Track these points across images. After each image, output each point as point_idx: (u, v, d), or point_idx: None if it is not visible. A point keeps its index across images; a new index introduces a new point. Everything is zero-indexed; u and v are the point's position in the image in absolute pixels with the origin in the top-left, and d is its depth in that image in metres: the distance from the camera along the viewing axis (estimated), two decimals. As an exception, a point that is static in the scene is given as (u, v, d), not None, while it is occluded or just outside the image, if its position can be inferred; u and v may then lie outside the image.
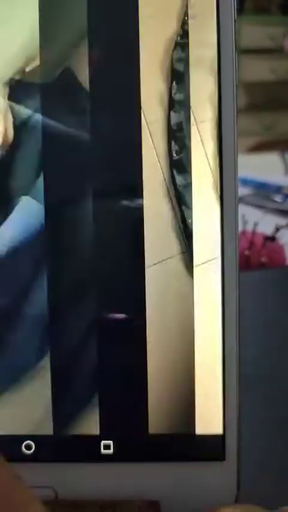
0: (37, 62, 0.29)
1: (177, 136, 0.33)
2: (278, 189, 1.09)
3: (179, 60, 0.35)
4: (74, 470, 0.24)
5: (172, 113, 0.34)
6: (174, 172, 0.31)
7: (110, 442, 0.23)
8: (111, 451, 0.24)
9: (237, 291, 0.24)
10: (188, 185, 0.31)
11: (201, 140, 0.31)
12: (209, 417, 0.24)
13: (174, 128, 0.34)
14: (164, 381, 0.24)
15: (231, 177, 0.27)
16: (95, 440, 0.24)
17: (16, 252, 0.27)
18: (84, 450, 0.23)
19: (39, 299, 0.26)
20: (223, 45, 0.27)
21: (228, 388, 0.23)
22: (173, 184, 0.31)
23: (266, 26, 2.95)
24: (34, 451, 0.24)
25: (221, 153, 0.27)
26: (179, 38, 0.34)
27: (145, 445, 0.23)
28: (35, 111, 0.28)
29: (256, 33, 2.91)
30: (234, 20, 0.27)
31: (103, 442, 0.24)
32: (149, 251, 0.27)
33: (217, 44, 0.27)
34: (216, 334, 0.25)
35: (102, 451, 0.24)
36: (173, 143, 0.33)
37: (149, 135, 0.31)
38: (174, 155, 0.33)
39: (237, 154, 0.27)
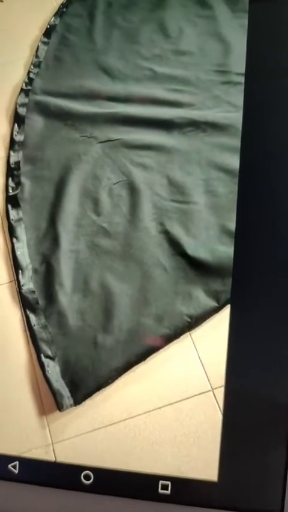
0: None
1: (15, 174, 0.42)
2: None
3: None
4: (129, 505, 0.28)
5: (11, 153, 0.42)
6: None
7: (168, 483, 0.28)
8: (168, 491, 0.28)
9: None
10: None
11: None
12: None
13: (13, 166, 0.42)
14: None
15: None
16: (153, 479, 0.28)
17: None
18: (142, 487, 0.28)
19: None
20: None
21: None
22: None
23: None
24: (92, 482, 0.29)
25: None
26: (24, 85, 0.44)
27: (206, 491, 0.27)
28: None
29: None
30: None
31: (161, 482, 0.28)
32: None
33: None
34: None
35: (160, 490, 0.28)
36: (10, 180, 0.41)
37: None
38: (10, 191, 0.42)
39: None
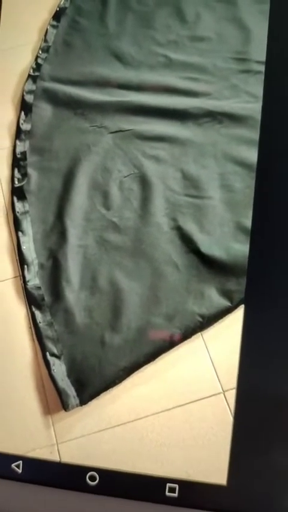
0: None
1: (21, 165, 0.43)
2: None
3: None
4: (135, 508, 0.30)
5: (17, 142, 0.43)
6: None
7: (176, 486, 0.30)
8: (175, 494, 0.30)
9: None
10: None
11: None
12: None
13: (19, 156, 0.44)
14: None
15: None
16: (160, 481, 0.30)
17: None
18: (148, 490, 0.30)
19: None
20: None
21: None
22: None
23: None
24: (98, 483, 0.31)
25: None
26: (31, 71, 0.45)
27: (214, 495, 0.29)
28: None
29: None
30: None
31: (168, 485, 0.30)
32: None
33: None
34: None
35: (167, 493, 0.30)
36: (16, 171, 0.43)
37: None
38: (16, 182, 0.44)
39: None
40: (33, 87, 0.46)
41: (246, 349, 0.32)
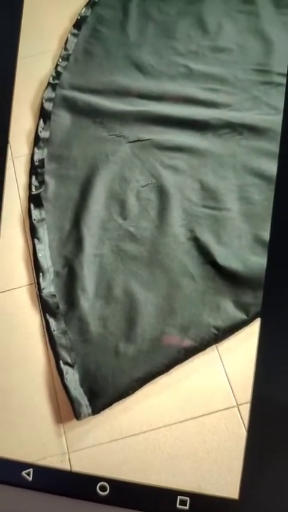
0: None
1: (38, 173, 0.47)
2: None
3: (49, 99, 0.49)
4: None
5: (36, 149, 0.46)
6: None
7: (187, 498, 0.31)
8: (186, 507, 0.31)
9: None
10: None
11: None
12: None
13: (37, 163, 0.47)
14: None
15: None
16: (171, 494, 0.32)
17: None
18: (159, 502, 0.32)
19: None
20: None
21: None
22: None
23: None
24: (108, 493, 0.33)
25: None
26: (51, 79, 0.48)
27: (226, 509, 0.31)
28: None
29: None
30: None
31: (179, 497, 0.32)
32: None
33: None
34: None
35: (178, 506, 0.32)
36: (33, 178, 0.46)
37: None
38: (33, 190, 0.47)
39: None
40: (53, 95, 0.49)
41: (262, 362, 0.34)
